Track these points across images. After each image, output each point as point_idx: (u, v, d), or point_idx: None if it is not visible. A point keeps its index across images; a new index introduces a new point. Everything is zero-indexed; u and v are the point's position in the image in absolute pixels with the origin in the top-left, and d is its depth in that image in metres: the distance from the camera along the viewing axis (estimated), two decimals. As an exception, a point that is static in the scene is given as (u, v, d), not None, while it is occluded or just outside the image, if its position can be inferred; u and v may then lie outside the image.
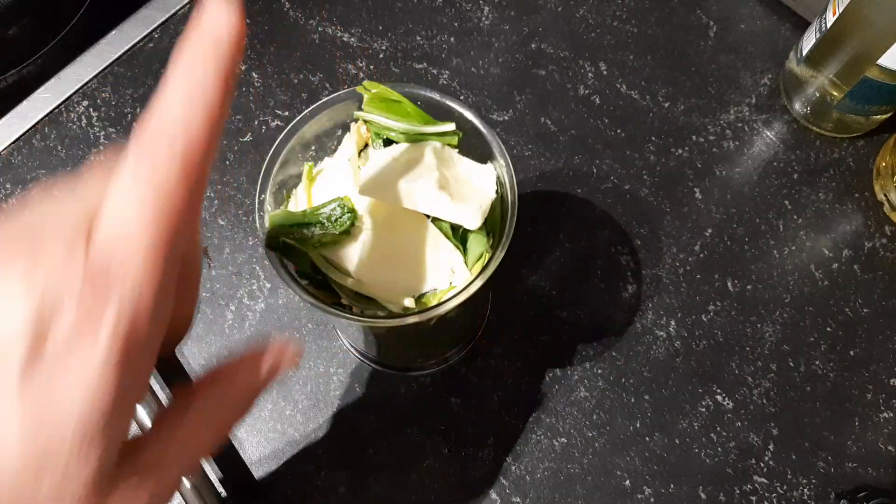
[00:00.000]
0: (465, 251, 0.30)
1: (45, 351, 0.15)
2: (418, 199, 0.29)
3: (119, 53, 0.50)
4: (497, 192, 0.31)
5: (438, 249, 0.29)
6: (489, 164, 0.31)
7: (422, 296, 0.29)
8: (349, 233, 0.29)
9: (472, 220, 0.29)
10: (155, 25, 0.51)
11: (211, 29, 0.18)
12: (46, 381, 0.15)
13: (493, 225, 0.31)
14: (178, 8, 0.51)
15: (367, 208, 0.29)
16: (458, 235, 0.30)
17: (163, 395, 0.41)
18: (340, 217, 0.28)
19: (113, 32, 0.50)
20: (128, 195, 0.16)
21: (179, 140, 0.17)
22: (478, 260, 0.30)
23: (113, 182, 0.17)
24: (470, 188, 0.30)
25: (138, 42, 0.50)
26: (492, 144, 0.31)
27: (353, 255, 0.29)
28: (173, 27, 0.51)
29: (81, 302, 0.16)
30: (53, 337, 0.15)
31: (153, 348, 0.17)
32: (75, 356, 0.15)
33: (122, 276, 0.16)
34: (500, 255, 0.28)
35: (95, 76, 0.49)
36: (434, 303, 0.29)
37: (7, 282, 0.16)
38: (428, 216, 0.29)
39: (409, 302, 0.29)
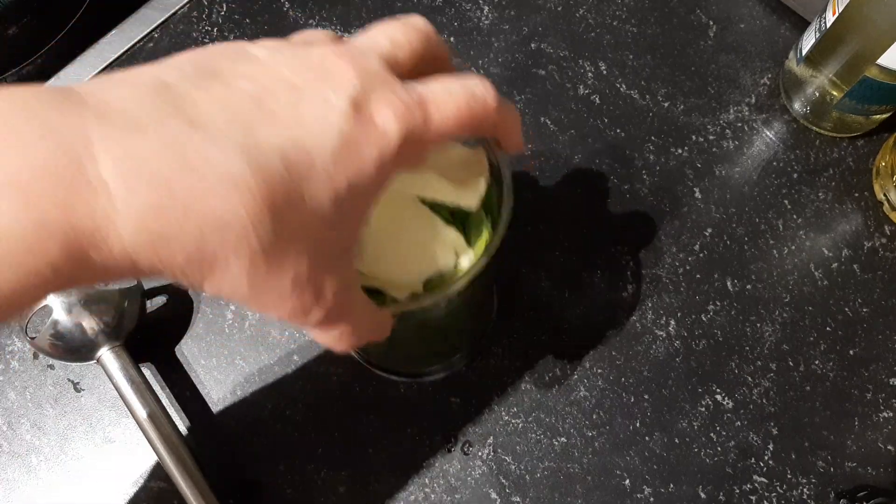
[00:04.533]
0: (465, 234, 0.30)
1: (364, 104, 0.20)
2: (415, 183, 0.28)
3: (119, 53, 0.50)
4: (492, 173, 0.30)
5: (439, 233, 0.29)
6: (479, 146, 0.31)
7: (429, 283, 0.29)
8: None
9: (471, 199, 0.29)
10: (155, 25, 0.51)
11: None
12: (359, 124, 0.20)
13: (489, 206, 0.31)
14: (177, 8, 0.51)
15: None
16: (458, 220, 0.30)
17: (163, 397, 0.41)
18: None
19: (113, 32, 0.50)
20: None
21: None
22: (479, 239, 0.29)
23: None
24: (464, 171, 0.30)
25: (138, 42, 0.50)
26: None
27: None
28: (173, 27, 0.51)
29: (398, 96, 0.21)
30: (372, 101, 0.20)
31: (417, 156, 0.22)
32: (380, 128, 0.20)
33: (429, 110, 0.21)
34: (502, 230, 0.28)
35: (95, 76, 0.49)
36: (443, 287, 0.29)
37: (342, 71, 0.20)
38: (425, 202, 0.29)
39: (416, 288, 0.29)
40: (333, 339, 0.24)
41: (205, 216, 0.17)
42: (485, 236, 0.30)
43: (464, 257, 0.29)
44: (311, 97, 0.20)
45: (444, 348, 0.39)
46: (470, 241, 0.30)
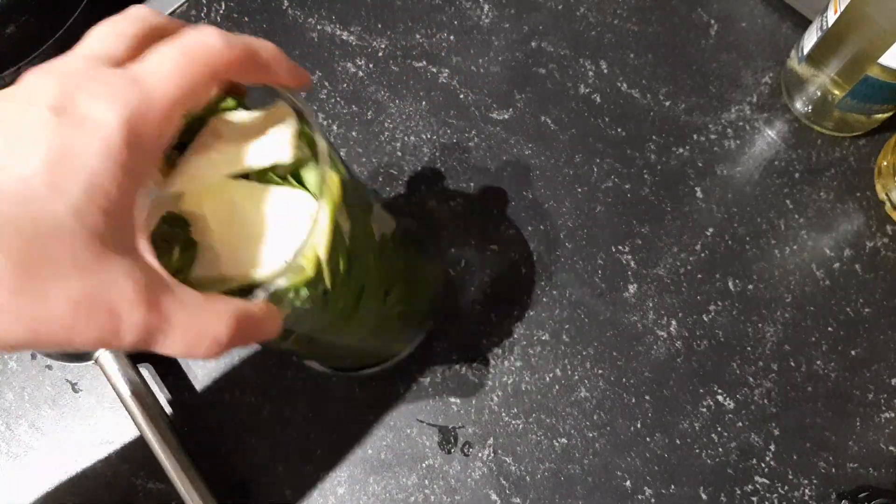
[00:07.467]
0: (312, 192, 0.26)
1: (70, 105, 0.19)
2: (223, 165, 0.25)
3: (117, 52, 0.49)
4: (301, 119, 0.27)
5: (279, 199, 0.26)
6: (276, 102, 0.27)
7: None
8: (193, 243, 0.25)
9: (282, 150, 0.25)
10: (153, 24, 0.50)
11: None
12: (69, 126, 0.19)
13: (314, 155, 0.27)
14: (175, 7, 0.51)
15: (196, 202, 0.25)
16: (295, 181, 0.26)
17: (162, 397, 0.40)
18: (172, 232, 0.25)
19: (111, 31, 0.50)
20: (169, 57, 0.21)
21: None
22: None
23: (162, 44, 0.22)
24: (267, 129, 0.26)
25: (136, 40, 0.50)
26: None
27: (206, 259, 0.25)
28: (172, 25, 0.51)
29: (107, 83, 0.20)
30: (78, 99, 0.19)
31: (155, 147, 0.21)
32: (93, 119, 0.19)
33: (146, 81, 0.20)
34: (329, 164, 0.25)
35: (93, 75, 0.49)
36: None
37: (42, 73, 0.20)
38: (250, 179, 0.26)
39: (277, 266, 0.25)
40: (182, 347, 0.21)
41: None
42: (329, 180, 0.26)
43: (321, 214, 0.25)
44: (12, 124, 0.19)
45: (387, 340, 0.36)
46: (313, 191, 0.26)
